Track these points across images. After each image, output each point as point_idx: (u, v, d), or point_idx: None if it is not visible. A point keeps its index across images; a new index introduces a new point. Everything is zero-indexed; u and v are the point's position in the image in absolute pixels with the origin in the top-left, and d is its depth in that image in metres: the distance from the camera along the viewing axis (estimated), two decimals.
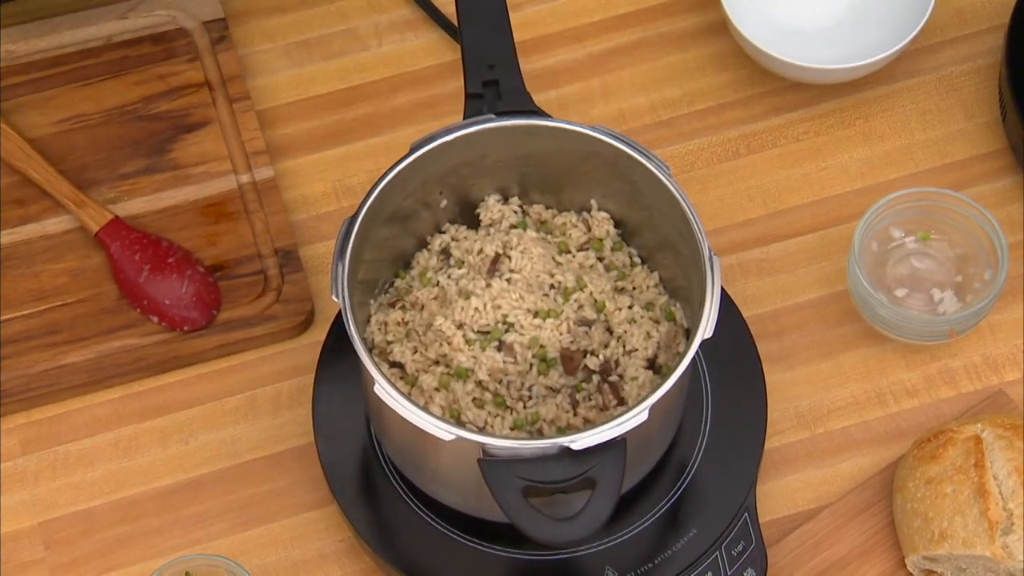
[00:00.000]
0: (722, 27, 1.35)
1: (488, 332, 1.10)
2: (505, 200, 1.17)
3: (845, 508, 1.19)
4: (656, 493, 1.15)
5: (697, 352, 1.05)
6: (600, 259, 1.16)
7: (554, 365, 1.10)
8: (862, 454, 1.22)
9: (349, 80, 1.36)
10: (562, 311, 1.11)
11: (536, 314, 1.11)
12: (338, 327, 1.20)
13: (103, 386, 1.24)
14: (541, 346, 1.10)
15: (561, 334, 1.11)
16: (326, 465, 1.16)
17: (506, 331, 1.10)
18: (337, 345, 1.19)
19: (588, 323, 1.12)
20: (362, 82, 1.36)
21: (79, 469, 1.22)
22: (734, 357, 1.19)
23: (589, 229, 1.16)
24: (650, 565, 1.12)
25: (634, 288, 1.15)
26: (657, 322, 1.14)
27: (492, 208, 1.16)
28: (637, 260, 1.17)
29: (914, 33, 1.30)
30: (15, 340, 1.24)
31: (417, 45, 1.37)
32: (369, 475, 1.16)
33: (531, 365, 1.10)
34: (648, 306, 1.14)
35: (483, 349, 1.10)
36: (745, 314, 1.21)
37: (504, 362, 1.09)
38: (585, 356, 1.11)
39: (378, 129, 1.33)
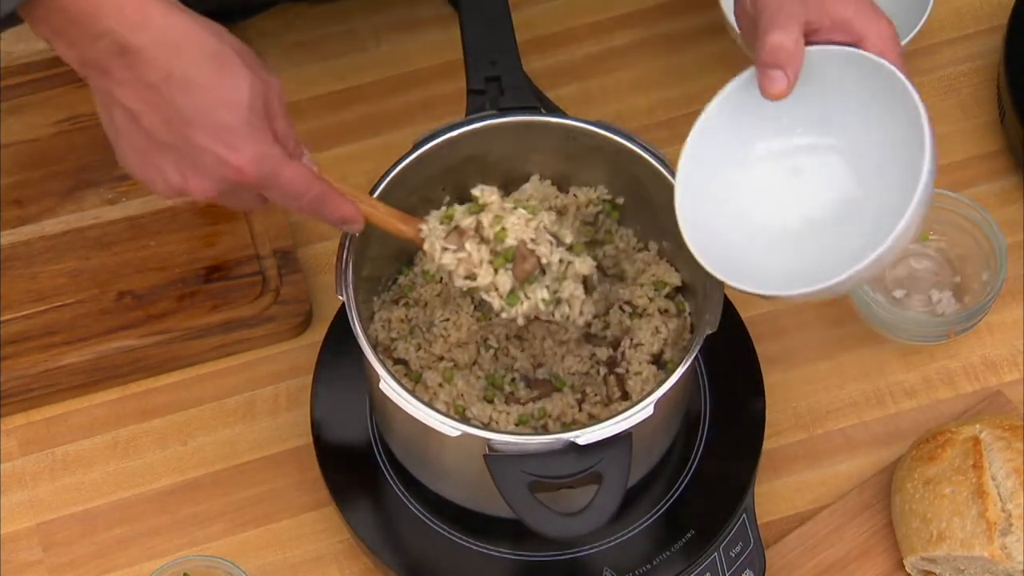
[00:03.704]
0: (721, 28, 1.35)
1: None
2: (507, 195, 1.17)
3: (844, 509, 1.19)
4: (654, 494, 1.15)
5: (696, 353, 1.05)
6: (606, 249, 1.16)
7: (508, 257, 1.06)
8: (860, 455, 1.22)
9: (348, 81, 1.36)
10: (540, 212, 1.08)
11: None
12: (337, 327, 1.20)
13: (101, 387, 1.24)
14: (504, 229, 1.06)
15: (530, 232, 1.06)
16: (324, 466, 1.16)
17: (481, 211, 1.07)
18: (335, 345, 1.19)
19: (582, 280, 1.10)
20: (361, 83, 1.36)
21: (77, 470, 1.22)
22: (733, 358, 1.19)
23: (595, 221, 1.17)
24: (648, 566, 1.12)
25: (642, 284, 1.15)
26: (666, 311, 1.14)
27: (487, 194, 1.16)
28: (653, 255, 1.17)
29: (912, 34, 1.30)
30: (14, 341, 1.24)
31: (416, 46, 1.37)
32: (368, 476, 1.16)
33: (488, 247, 1.06)
34: (655, 299, 1.14)
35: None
36: (744, 315, 1.21)
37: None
38: (540, 268, 1.07)
39: (377, 129, 1.33)
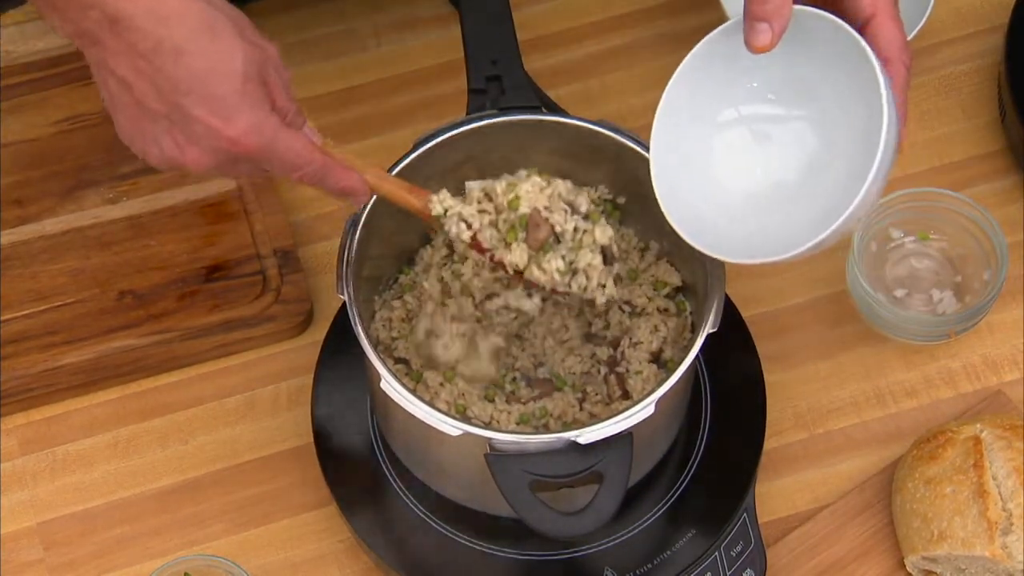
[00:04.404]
0: None
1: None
2: None
3: (844, 508, 1.19)
4: (655, 493, 1.15)
5: (697, 352, 1.05)
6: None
7: (522, 225, 1.05)
8: (861, 454, 1.22)
9: (348, 80, 1.36)
10: (555, 180, 1.07)
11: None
12: (337, 327, 1.20)
13: (102, 386, 1.24)
14: (517, 196, 1.05)
15: (544, 200, 1.05)
16: (325, 465, 1.16)
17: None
18: (336, 345, 1.19)
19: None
20: (361, 82, 1.36)
21: (78, 470, 1.22)
22: (734, 358, 1.19)
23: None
24: (649, 566, 1.12)
25: (641, 284, 1.15)
26: (666, 310, 1.14)
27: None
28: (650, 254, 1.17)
29: (913, 33, 1.30)
30: (14, 340, 1.24)
31: (416, 45, 1.37)
32: (368, 475, 1.16)
33: (499, 217, 1.05)
34: (654, 298, 1.14)
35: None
36: (744, 314, 1.21)
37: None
38: (555, 236, 1.06)
39: (377, 129, 1.33)
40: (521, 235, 1.04)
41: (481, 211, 1.05)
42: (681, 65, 1.04)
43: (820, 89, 1.03)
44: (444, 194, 1.05)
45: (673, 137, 1.05)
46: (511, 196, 1.04)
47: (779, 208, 1.04)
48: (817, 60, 1.02)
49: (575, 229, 1.05)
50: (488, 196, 1.05)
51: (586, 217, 1.06)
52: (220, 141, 0.93)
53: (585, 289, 1.06)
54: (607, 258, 1.06)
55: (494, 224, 1.05)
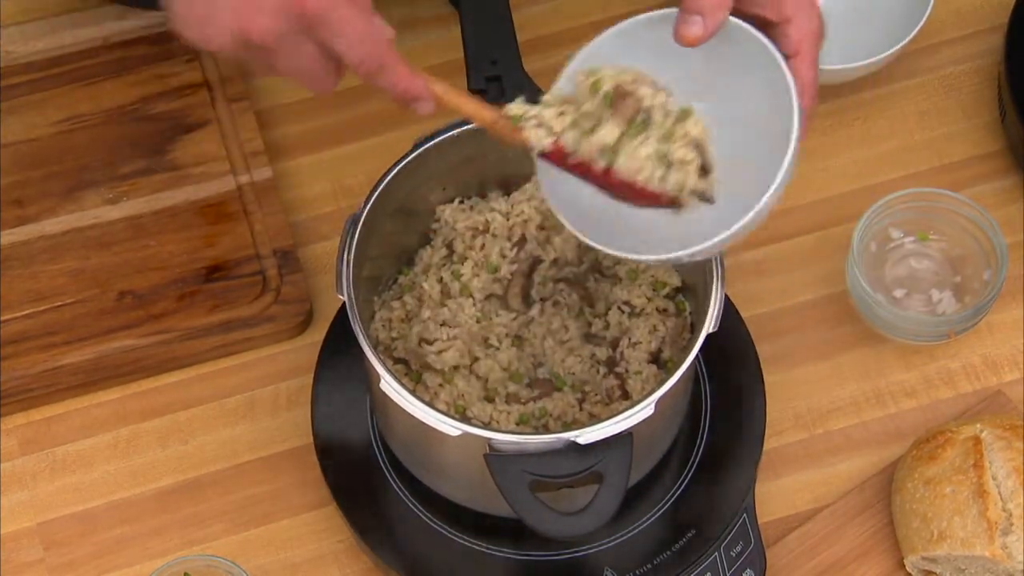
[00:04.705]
0: None
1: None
2: (507, 195, 1.17)
3: (844, 509, 1.19)
4: (655, 494, 1.15)
5: (697, 352, 1.05)
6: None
7: (607, 104, 0.98)
8: (861, 455, 1.22)
9: (347, 80, 1.35)
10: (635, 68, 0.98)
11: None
12: (337, 327, 1.20)
13: (102, 387, 1.24)
14: (599, 79, 0.98)
15: (628, 78, 0.98)
16: (325, 466, 1.16)
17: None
18: (336, 345, 1.19)
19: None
20: (361, 82, 1.35)
21: (78, 470, 1.22)
22: (733, 358, 1.19)
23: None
24: (649, 566, 1.12)
25: (640, 285, 1.15)
26: (666, 311, 1.13)
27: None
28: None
29: (913, 33, 1.30)
30: (14, 341, 1.24)
31: (415, 45, 1.37)
32: (368, 475, 1.16)
33: (580, 113, 0.99)
34: (654, 298, 1.14)
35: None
36: (744, 315, 1.21)
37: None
38: (644, 115, 0.98)
39: (377, 130, 1.33)
40: (607, 114, 0.98)
41: (560, 114, 0.99)
42: (599, 36, 1.01)
43: (729, 94, 1.01)
44: (519, 100, 1.00)
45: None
46: (593, 79, 0.98)
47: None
48: (736, 70, 1.00)
49: (664, 113, 0.98)
50: (566, 101, 0.99)
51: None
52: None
53: (682, 188, 0.98)
54: (705, 168, 0.99)
55: (576, 125, 0.99)
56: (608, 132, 0.98)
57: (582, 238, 1.01)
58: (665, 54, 1.00)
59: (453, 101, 0.99)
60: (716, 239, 0.97)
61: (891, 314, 1.22)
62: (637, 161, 0.98)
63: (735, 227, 0.97)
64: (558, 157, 1.00)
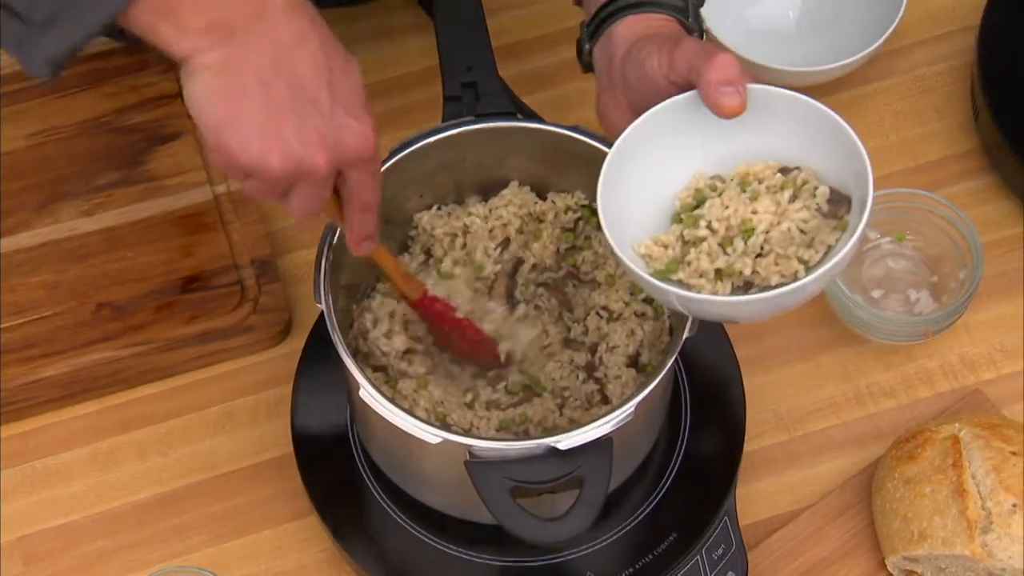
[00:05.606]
0: None
1: None
2: (485, 201, 1.17)
3: (825, 510, 1.20)
4: (636, 498, 1.15)
5: (676, 356, 1.05)
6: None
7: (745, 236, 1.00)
8: (841, 455, 1.22)
9: None
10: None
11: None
12: (316, 336, 1.20)
13: (80, 399, 1.24)
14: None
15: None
16: (306, 475, 1.16)
17: None
18: (315, 354, 1.19)
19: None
20: None
21: (57, 483, 1.22)
22: (712, 361, 1.19)
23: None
24: (631, 570, 1.12)
25: (618, 289, 1.15)
26: (644, 315, 1.14)
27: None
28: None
29: (886, 35, 1.30)
30: None
31: (392, 53, 1.37)
32: (349, 484, 1.16)
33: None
34: (631, 302, 1.14)
35: None
36: None
37: None
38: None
39: None
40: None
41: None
42: (629, 129, 1.01)
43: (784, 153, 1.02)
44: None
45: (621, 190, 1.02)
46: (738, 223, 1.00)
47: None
48: (784, 131, 1.01)
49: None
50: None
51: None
52: (354, 139, 0.93)
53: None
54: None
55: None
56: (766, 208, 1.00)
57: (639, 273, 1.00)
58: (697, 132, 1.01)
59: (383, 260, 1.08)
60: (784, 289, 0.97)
61: (869, 314, 1.23)
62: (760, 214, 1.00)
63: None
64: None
